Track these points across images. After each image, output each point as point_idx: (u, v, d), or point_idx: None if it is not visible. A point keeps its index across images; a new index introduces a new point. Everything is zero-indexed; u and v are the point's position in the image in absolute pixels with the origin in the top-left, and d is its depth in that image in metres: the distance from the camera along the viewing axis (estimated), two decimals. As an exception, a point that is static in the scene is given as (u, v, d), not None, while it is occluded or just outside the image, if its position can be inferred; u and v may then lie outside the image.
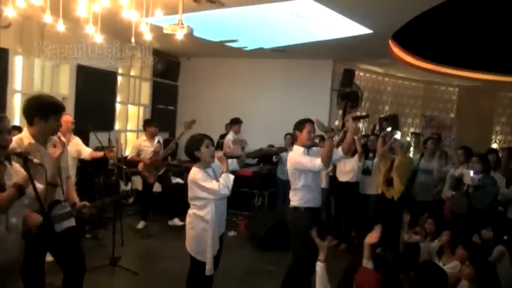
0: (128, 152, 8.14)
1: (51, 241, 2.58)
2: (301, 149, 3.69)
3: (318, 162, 3.54)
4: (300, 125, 3.75)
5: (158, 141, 6.06)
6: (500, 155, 6.51)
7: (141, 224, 6.02)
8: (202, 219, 3.14)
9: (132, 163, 6.07)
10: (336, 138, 4.34)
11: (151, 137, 6.02)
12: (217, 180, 3.12)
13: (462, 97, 11.37)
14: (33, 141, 2.66)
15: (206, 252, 3.13)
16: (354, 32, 6.16)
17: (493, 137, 11.34)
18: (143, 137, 6.14)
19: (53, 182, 2.59)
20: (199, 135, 3.29)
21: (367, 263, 2.84)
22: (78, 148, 4.96)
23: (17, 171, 2.33)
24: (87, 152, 5.01)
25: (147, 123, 6.22)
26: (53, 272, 2.97)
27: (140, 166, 5.88)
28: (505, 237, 4.09)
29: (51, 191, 2.58)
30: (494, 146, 10.55)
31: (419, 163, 5.60)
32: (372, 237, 2.86)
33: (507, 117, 11.31)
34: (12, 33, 5.80)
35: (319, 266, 2.72)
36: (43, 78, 6.51)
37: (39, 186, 2.27)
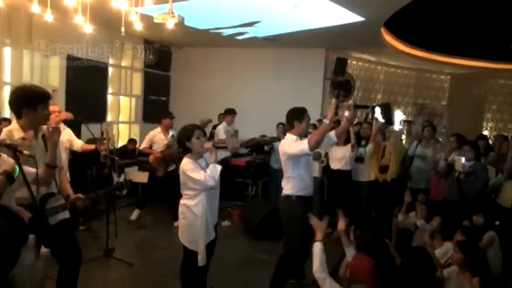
0: (120, 144, 8.14)
1: (45, 234, 2.57)
2: (294, 137, 3.67)
3: (303, 143, 3.46)
4: (300, 114, 3.68)
5: (172, 135, 5.95)
6: (490, 142, 6.59)
7: (135, 213, 5.95)
8: (191, 210, 3.16)
9: (143, 154, 6.03)
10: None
11: (166, 129, 5.89)
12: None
13: (454, 85, 11.43)
14: (22, 134, 2.62)
15: (198, 242, 3.15)
16: (346, 19, 6.14)
17: (484, 124, 11.44)
18: (158, 128, 6.04)
19: (52, 163, 2.57)
20: (191, 125, 3.29)
21: (348, 250, 2.87)
22: (69, 138, 4.93)
23: (5, 161, 2.31)
24: (78, 144, 4.98)
25: (163, 115, 6.08)
26: (47, 264, 2.97)
27: (151, 158, 5.81)
28: (497, 223, 4.15)
29: (49, 173, 2.56)
30: (485, 133, 10.64)
31: (416, 149, 5.67)
32: (340, 224, 2.89)
33: (498, 104, 11.40)
34: (0, 24, 5.70)
35: (317, 246, 2.69)
36: (32, 69, 6.43)
37: (32, 169, 2.25)
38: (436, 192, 5.23)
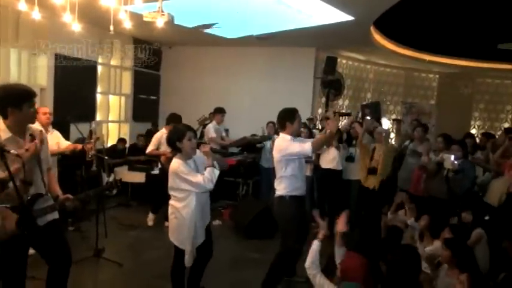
0: (110, 143, 8.07)
1: (33, 235, 2.54)
2: (289, 136, 3.68)
3: (307, 145, 3.53)
4: (291, 115, 3.70)
5: None
6: (478, 140, 6.68)
7: (151, 217, 5.88)
8: (180, 211, 3.15)
9: (151, 156, 6.02)
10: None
11: None
12: (197, 172, 3.13)
13: (442, 84, 11.57)
14: (10, 134, 2.58)
15: (186, 242, 3.15)
16: (336, 19, 6.17)
17: (472, 122, 11.60)
18: (163, 129, 5.96)
19: (27, 179, 2.52)
20: (183, 126, 3.29)
21: (338, 250, 2.91)
22: (57, 141, 4.85)
23: None
24: (64, 146, 4.91)
25: (171, 119, 5.89)
26: (35, 265, 2.93)
27: (163, 159, 5.74)
28: (487, 217, 4.21)
29: (23, 189, 2.49)
30: (473, 131, 10.79)
31: (408, 147, 5.73)
32: (341, 224, 2.94)
33: (485, 103, 11.57)
34: (-14, 22, 5.62)
35: (316, 244, 2.78)
36: (20, 68, 6.33)
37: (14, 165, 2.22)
38: (417, 187, 5.26)
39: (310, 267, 2.66)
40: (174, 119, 5.90)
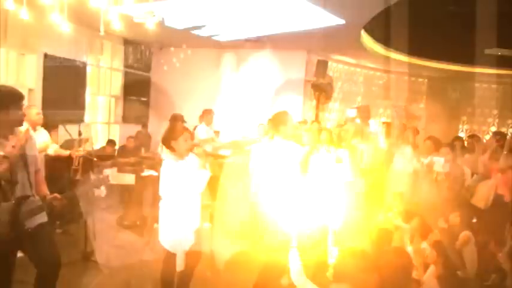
0: (99, 145, 7.99)
1: (21, 238, 2.50)
2: (285, 141, 3.66)
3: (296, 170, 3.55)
4: (283, 118, 3.68)
5: None
6: (466, 143, 6.76)
7: None
8: (170, 213, 3.13)
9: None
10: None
11: None
12: (189, 174, 3.11)
13: (431, 88, 11.70)
14: None
15: (177, 246, 3.13)
16: (327, 22, 6.20)
17: (460, 126, 11.74)
18: None
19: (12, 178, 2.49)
20: (181, 126, 3.28)
21: (331, 250, 2.91)
22: (46, 141, 4.79)
23: None
24: (53, 149, 4.84)
25: (176, 119, 5.90)
26: (24, 269, 2.88)
27: None
28: (474, 220, 4.26)
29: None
30: (461, 135, 10.92)
31: (398, 151, 5.77)
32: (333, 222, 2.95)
33: (473, 107, 11.72)
34: (-27, 22, 5.54)
35: (294, 252, 2.68)
36: (7, 69, 6.25)
37: None
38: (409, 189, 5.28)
39: (296, 277, 2.58)
40: (178, 119, 5.85)
